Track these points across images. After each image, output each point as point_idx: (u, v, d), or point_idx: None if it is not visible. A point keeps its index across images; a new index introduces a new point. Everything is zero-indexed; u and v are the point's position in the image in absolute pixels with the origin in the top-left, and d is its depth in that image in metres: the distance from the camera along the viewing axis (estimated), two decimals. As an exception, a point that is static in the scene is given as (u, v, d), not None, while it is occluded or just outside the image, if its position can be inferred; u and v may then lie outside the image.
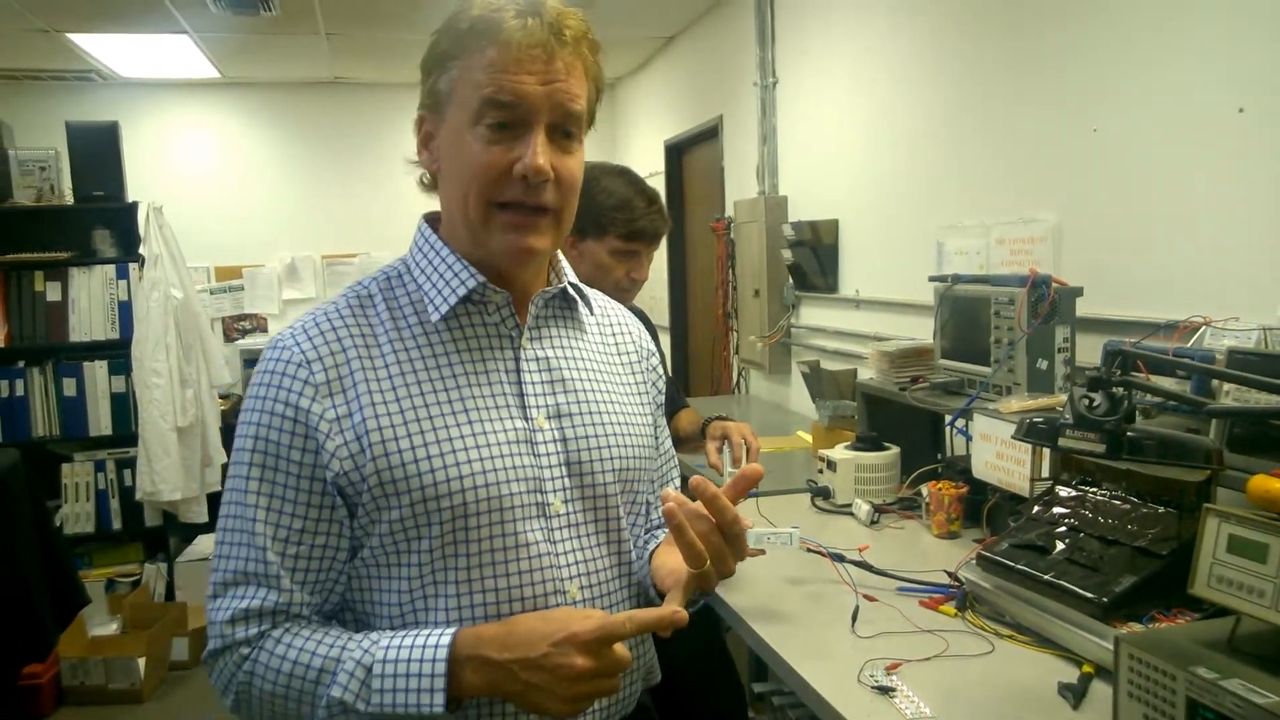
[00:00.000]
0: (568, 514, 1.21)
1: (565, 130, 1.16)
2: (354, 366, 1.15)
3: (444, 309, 1.19)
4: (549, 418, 1.22)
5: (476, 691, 1.08)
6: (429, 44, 1.20)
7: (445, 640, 1.07)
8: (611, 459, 1.25)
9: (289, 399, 1.13)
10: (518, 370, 1.22)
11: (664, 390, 1.49)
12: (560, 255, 1.32)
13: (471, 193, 1.15)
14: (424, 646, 1.07)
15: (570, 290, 1.30)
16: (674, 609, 1.08)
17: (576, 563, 1.21)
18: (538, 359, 1.24)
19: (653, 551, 1.33)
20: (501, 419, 1.18)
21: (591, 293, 1.39)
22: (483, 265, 1.20)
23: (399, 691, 1.06)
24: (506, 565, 1.15)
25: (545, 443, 1.20)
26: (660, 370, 1.48)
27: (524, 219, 1.15)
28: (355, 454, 1.12)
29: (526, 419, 1.20)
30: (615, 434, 1.27)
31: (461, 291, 1.19)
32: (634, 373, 1.38)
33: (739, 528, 1.13)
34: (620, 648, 1.08)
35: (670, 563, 1.21)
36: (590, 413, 1.25)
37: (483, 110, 1.12)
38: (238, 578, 1.12)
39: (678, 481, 1.52)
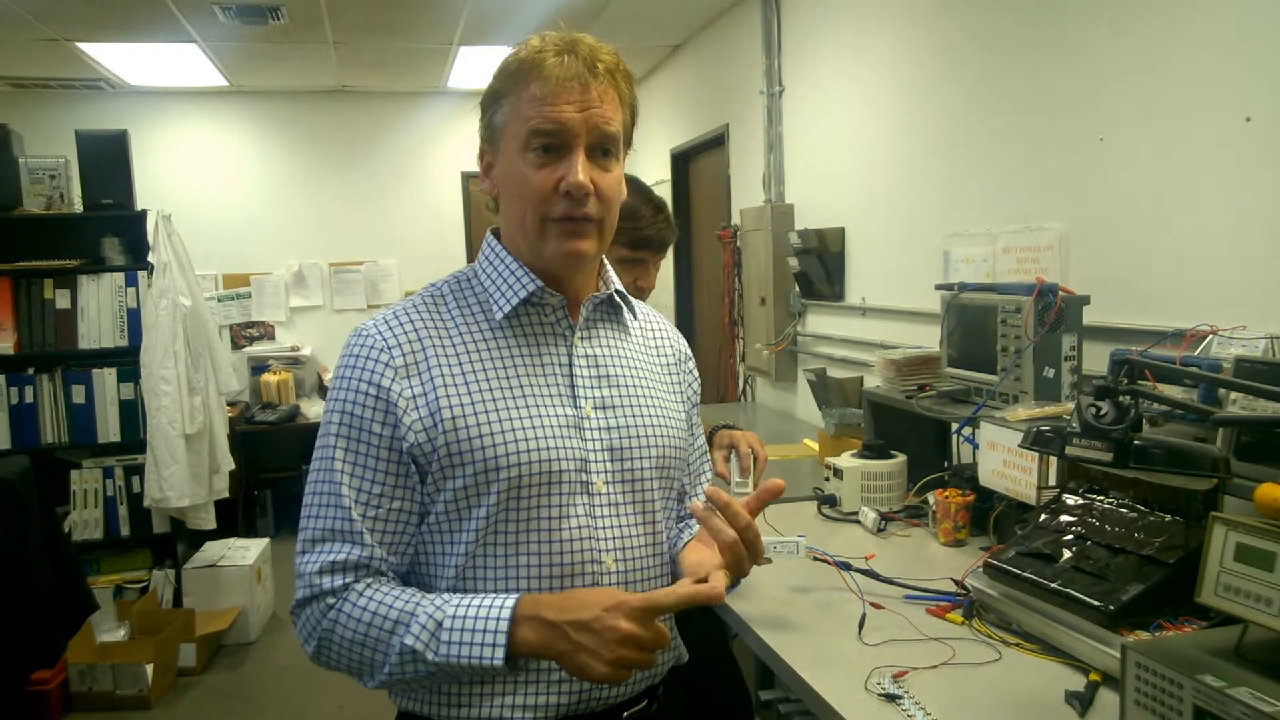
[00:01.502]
0: (608, 494, 1.33)
1: (603, 149, 1.30)
2: (429, 353, 1.30)
3: (506, 309, 1.34)
4: (596, 408, 1.35)
5: (531, 649, 1.19)
6: (487, 86, 1.35)
7: (510, 602, 1.20)
8: (650, 447, 1.38)
9: (372, 379, 1.28)
10: (570, 365, 1.36)
11: (699, 392, 1.61)
12: (608, 265, 1.46)
13: (527, 210, 1.30)
14: (490, 606, 1.20)
15: (616, 297, 1.44)
16: (713, 586, 1.18)
17: (613, 538, 1.33)
18: (587, 356, 1.39)
19: (683, 547, 1.44)
20: (554, 405, 1.32)
21: (635, 301, 1.51)
22: (540, 272, 1.34)
23: (464, 645, 1.19)
24: (550, 534, 1.28)
25: (592, 429, 1.34)
26: (696, 374, 1.61)
27: (573, 227, 1.29)
28: (429, 427, 1.26)
29: (576, 407, 1.34)
30: (654, 425, 1.40)
31: (522, 294, 1.33)
32: (671, 374, 1.51)
33: (754, 532, 1.25)
34: (662, 626, 1.18)
35: (693, 558, 1.36)
36: (632, 405, 1.39)
37: (530, 138, 1.27)
38: (325, 534, 1.26)
39: (708, 474, 1.63)
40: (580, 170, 1.26)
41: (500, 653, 1.17)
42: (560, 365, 1.35)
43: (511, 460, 1.26)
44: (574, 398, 1.34)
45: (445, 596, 1.24)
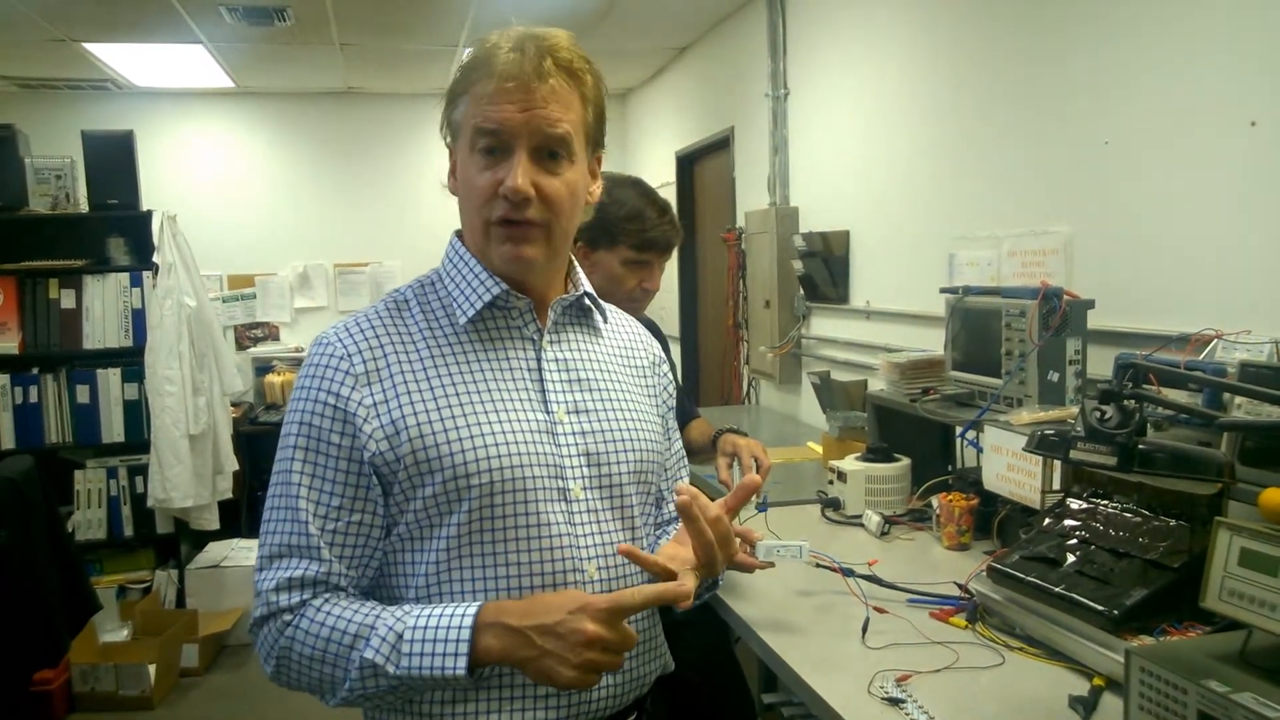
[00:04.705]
0: (587, 500, 1.30)
1: (550, 152, 1.25)
2: (390, 360, 1.27)
3: (470, 313, 1.30)
4: (569, 412, 1.32)
5: (495, 657, 1.16)
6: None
7: (471, 610, 1.17)
8: (627, 451, 1.35)
9: (331, 388, 1.24)
10: (539, 369, 1.33)
11: (675, 395, 1.57)
12: (577, 266, 1.42)
13: (472, 211, 1.28)
14: (451, 615, 1.17)
15: (586, 300, 1.40)
16: (681, 584, 1.17)
17: (594, 545, 1.29)
18: (558, 360, 1.35)
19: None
20: (525, 410, 1.29)
21: (606, 305, 1.48)
22: (504, 275, 1.30)
23: (426, 655, 1.15)
24: (529, 543, 1.24)
25: (566, 434, 1.30)
26: (671, 377, 1.56)
27: (515, 231, 1.25)
28: (390, 436, 1.23)
29: (548, 412, 1.30)
30: (630, 430, 1.37)
31: (487, 298, 1.29)
32: (644, 377, 1.48)
33: (724, 527, 1.23)
34: (628, 627, 1.16)
35: (667, 551, 1.31)
36: (607, 410, 1.36)
37: (475, 138, 1.25)
38: (282, 550, 1.22)
39: (686, 479, 1.59)
40: (519, 174, 1.21)
41: (463, 662, 1.13)
42: (529, 369, 1.32)
43: (482, 468, 1.22)
44: (545, 402, 1.30)
45: (406, 608, 1.20)
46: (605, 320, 1.44)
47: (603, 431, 1.33)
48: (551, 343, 1.35)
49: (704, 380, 5.88)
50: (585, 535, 1.28)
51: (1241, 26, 1.95)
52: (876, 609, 1.71)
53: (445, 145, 1.34)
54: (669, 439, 1.52)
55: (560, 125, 1.24)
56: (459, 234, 1.37)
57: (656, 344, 1.56)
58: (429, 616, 1.17)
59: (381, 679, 1.16)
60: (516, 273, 1.30)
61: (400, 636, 1.16)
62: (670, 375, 1.56)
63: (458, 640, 1.14)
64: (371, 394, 1.24)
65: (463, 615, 1.16)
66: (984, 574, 1.70)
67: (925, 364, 2.59)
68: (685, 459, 1.61)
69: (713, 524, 1.21)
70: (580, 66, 1.28)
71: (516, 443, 1.25)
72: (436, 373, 1.27)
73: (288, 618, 1.20)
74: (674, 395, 1.56)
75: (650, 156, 6.51)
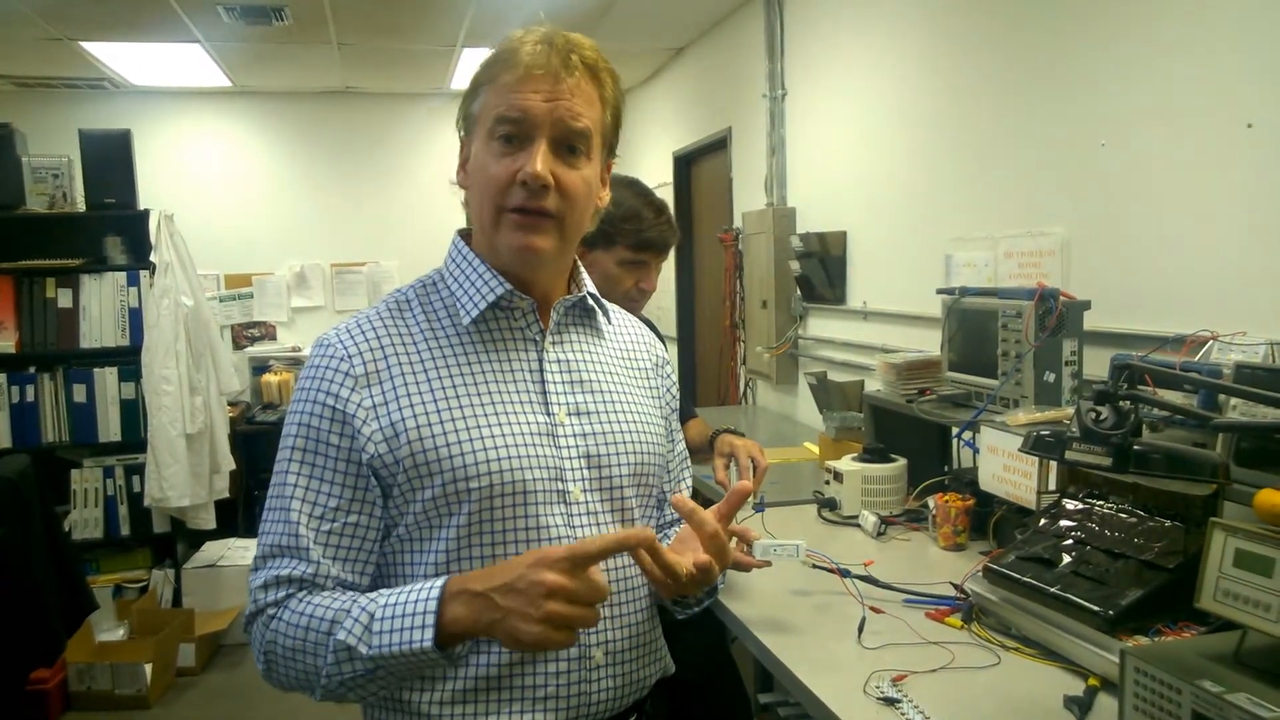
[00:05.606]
0: (586, 502, 1.30)
1: (570, 146, 1.25)
2: (390, 362, 1.26)
3: (474, 313, 1.29)
4: (569, 414, 1.31)
5: (464, 626, 1.13)
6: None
7: (439, 583, 1.15)
8: (627, 454, 1.35)
9: (330, 389, 1.24)
10: (541, 370, 1.32)
11: (678, 397, 1.57)
12: (581, 267, 1.42)
13: (485, 199, 1.26)
14: (419, 589, 1.16)
15: (589, 300, 1.39)
16: (642, 529, 1.17)
17: None
18: (559, 361, 1.34)
19: None
20: (525, 413, 1.28)
21: (609, 305, 1.48)
22: (508, 274, 1.29)
23: (395, 632, 1.13)
24: (528, 545, 1.24)
25: (566, 436, 1.30)
26: (674, 379, 1.56)
27: (527, 220, 1.24)
28: (389, 438, 1.22)
29: (549, 414, 1.30)
30: (631, 432, 1.36)
31: (491, 298, 1.29)
32: (648, 378, 1.47)
33: (720, 539, 1.22)
34: (596, 573, 1.11)
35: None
36: (608, 412, 1.35)
37: (495, 126, 1.24)
38: (274, 550, 1.22)
39: (689, 482, 1.59)
40: (538, 160, 1.21)
41: (429, 634, 1.11)
42: (531, 371, 1.31)
43: (481, 470, 1.22)
44: (546, 404, 1.30)
45: (382, 591, 1.19)
46: (609, 321, 1.44)
47: (604, 433, 1.33)
48: (554, 344, 1.35)
49: (701, 380, 5.88)
50: (584, 537, 1.27)
51: (1238, 28, 1.95)
52: (873, 609, 1.71)
53: (459, 138, 1.34)
54: (671, 441, 1.52)
55: (582, 120, 1.25)
56: (461, 233, 1.37)
57: (660, 345, 1.56)
58: (400, 594, 1.16)
59: (356, 661, 1.15)
60: (525, 265, 1.29)
61: (373, 617, 1.15)
62: (673, 378, 1.56)
63: (424, 613, 1.12)
64: (371, 396, 1.23)
65: (429, 588, 1.15)
66: (980, 574, 1.70)
67: (922, 365, 2.59)
68: (688, 460, 1.61)
69: (709, 539, 1.21)
70: (603, 68, 1.29)
71: (516, 445, 1.25)
72: (437, 374, 1.26)
73: (272, 612, 1.21)
74: (677, 397, 1.56)
75: (648, 157, 6.51)
